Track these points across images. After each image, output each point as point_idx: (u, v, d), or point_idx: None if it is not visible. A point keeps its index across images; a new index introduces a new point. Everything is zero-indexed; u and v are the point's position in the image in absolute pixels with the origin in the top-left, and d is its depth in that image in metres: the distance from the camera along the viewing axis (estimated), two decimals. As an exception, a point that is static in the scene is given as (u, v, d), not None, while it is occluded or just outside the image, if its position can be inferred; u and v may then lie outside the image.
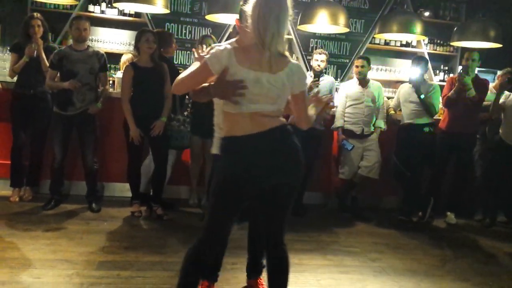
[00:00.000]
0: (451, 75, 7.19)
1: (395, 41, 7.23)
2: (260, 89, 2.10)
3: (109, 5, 6.46)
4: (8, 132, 4.49)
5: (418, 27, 5.48)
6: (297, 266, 3.44)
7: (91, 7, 6.47)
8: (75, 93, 4.25)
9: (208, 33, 6.40)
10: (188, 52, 6.70)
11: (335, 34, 6.83)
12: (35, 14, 4.50)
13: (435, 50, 7.47)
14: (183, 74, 2.22)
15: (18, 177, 4.55)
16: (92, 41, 6.41)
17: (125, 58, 6.00)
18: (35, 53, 4.33)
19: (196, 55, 2.44)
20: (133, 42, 4.39)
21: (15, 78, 4.48)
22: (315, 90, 4.78)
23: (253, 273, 3.01)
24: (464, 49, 6.53)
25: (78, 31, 4.28)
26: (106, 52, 4.66)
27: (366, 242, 4.20)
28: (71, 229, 3.88)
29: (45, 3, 5.96)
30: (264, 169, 2.14)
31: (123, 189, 4.74)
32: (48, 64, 4.33)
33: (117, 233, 3.92)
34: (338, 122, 5.01)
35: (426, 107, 4.86)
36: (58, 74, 4.31)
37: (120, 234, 3.91)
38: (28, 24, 4.40)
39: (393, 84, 7.43)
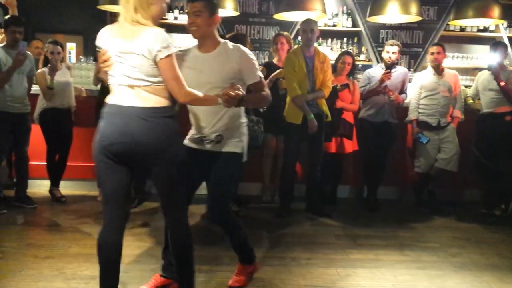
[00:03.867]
0: (535, 59, 6.76)
1: (471, 26, 6.91)
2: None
3: (181, 11, 6.71)
4: (94, 137, 4.81)
5: (496, 11, 5.23)
6: (374, 262, 3.42)
7: (164, 14, 6.75)
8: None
9: (277, 31, 6.47)
10: (257, 51, 6.81)
11: (407, 23, 6.65)
12: (114, 25, 4.78)
13: (515, 33, 7.05)
14: None
15: (105, 178, 4.87)
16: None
17: None
18: None
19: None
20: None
21: (99, 86, 4.80)
22: (387, 83, 4.72)
23: None
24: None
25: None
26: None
27: (446, 237, 4.07)
28: (154, 225, 4.10)
29: (123, 14, 6.31)
30: None
31: (201, 186, 4.89)
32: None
33: (196, 229, 4.06)
34: (412, 115, 4.89)
35: (507, 95, 4.62)
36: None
37: (199, 229, 4.07)
38: None
39: (471, 71, 7.11)
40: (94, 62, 4.86)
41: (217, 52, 2.63)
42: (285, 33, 5.04)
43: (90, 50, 6.50)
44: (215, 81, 2.56)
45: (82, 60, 5.76)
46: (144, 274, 3.08)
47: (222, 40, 2.68)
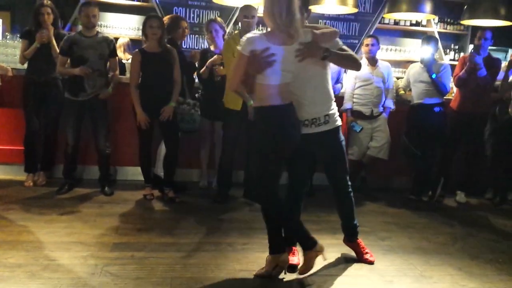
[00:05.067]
0: (462, 54, 7.13)
1: (405, 20, 7.17)
2: (287, 59, 2.69)
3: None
4: (21, 118, 4.57)
5: (428, 6, 5.43)
6: (307, 246, 3.48)
7: (99, -7, 6.47)
8: (85, 79, 4.30)
9: (216, 16, 6.39)
10: (197, 36, 6.71)
11: (344, 14, 6.78)
12: (45, 1, 4.51)
13: (445, 29, 7.42)
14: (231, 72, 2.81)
15: (32, 162, 4.63)
16: (101, 26, 6.44)
17: (121, 42, 6.04)
18: (45, 38, 4.38)
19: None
20: (141, 27, 4.42)
21: (26, 65, 4.54)
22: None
23: (350, 236, 3.36)
24: (474, 28, 6.46)
25: (87, 18, 4.31)
26: (114, 37, 4.69)
27: (376, 221, 4.22)
28: (85, 212, 3.96)
29: (54, -11, 5.98)
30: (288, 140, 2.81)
31: (136, 173, 4.79)
32: (58, 51, 4.38)
33: (130, 216, 3.99)
34: (346, 104, 5.00)
35: (437, 87, 4.84)
36: (69, 61, 4.36)
37: (133, 216, 3.98)
38: (38, 11, 4.44)
39: (403, 64, 7.39)
40: (20, 40, 4.57)
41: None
42: (218, 18, 4.94)
43: (17, 27, 6.12)
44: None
45: (8, 37, 5.41)
46: (73, 261, 2.98)
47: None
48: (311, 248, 2.90)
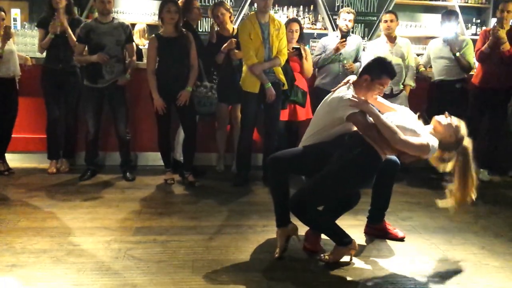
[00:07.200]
0: (484, 28, 6.93)
1: (425, -5, 7.00)
2: None
3: (132, -25, 6.45)
4: (42, 107, 4.63)
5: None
6: (328, 227, 3.48)
7: (114, -22, 6.46)
8: (103, 65, 4.32)
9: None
10: (210, 18, 6.65)
11: (362, -9, 6.67)
12: (57, -14, 4.52)
13: (466, 2, 7.20)
14: (413, 141, 2.94)
15: (55, 150, 4.71)
16: (117, 12, 6.44)
17: (138, 28, 6.03)
18: (58, 29, 4.40)
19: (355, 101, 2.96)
20: (157, 12, 4.40)
21: (45, 54, 4.58)
22: (342, 51, 4.73)
23: (379, 219, 3.37)
24: (496, 0, 6.27)
25: (102, 4, 4.31)
26: (131, 24, 4.70)
27: (397, 201, 4.16)
28: (108, 198, 4.02)
29: (69, -23, 5.99)
30: None
31: (156, 158, 4.83)
32: (75, 39, 4.41)
33: (152, 200, 4.03)
34: (366, 83, 4.93)
35: (461, 64, 4.73)
36: (86, 48, 4.38)
37: (154, 201, 4.02)
38: None
39: (423, 40, 7.23)
40: (37, 29, 4.61)
41: None
42: (222, 1, 4.85)
43: (35, 17, 6.17)
44: None
45: (26, 26, 5.46)
46: (97, 246, 3.03)
47: None
48: (345, 245, 2.92)
